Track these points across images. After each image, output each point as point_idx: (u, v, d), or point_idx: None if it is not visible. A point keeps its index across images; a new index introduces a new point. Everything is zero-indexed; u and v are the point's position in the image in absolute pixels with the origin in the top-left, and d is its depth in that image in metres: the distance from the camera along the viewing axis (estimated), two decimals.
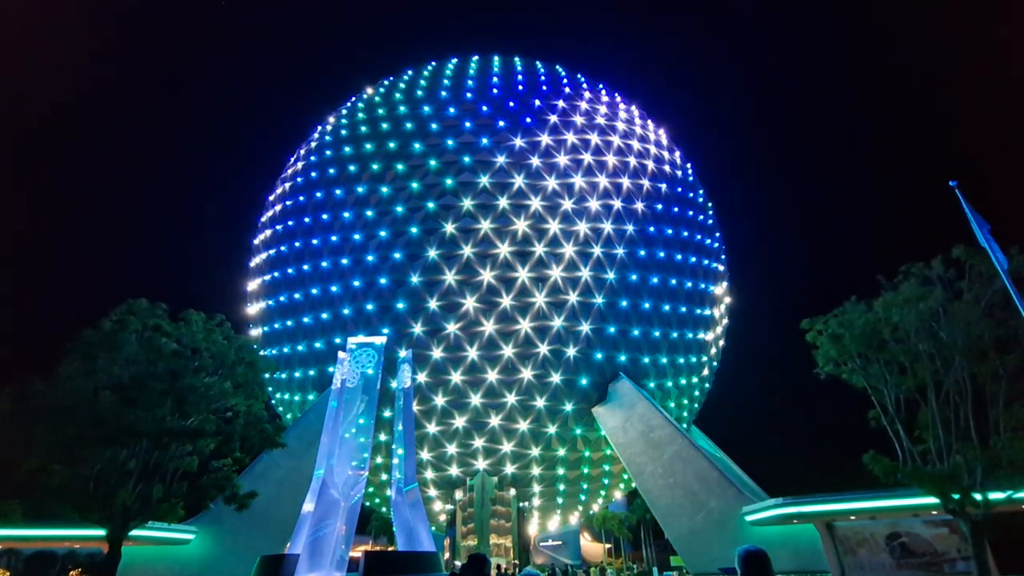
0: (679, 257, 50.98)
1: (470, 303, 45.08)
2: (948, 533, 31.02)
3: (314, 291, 48.54)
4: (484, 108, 51.62)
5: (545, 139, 50.16)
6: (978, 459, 22.90)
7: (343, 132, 55.14)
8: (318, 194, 51.65)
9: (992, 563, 26.20)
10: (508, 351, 45.07)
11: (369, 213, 48.11)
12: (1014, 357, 23.57)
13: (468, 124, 50.39)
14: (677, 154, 59.45)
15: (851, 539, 32.84)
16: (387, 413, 45.21)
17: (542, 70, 60.04)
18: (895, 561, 31.65)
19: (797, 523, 34.04)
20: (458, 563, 42.01)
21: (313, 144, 57.95)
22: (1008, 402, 23.49)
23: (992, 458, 22.79)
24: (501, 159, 48.52)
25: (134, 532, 26.28)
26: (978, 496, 23.53)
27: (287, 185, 56.64)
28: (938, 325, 25.03)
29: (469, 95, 53.13)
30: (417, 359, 44.06)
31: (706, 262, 53.85)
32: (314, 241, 49.82)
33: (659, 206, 51.42)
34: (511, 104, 52.17)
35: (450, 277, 45.37)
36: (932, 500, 26.00)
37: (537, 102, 53.03)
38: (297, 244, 50.95)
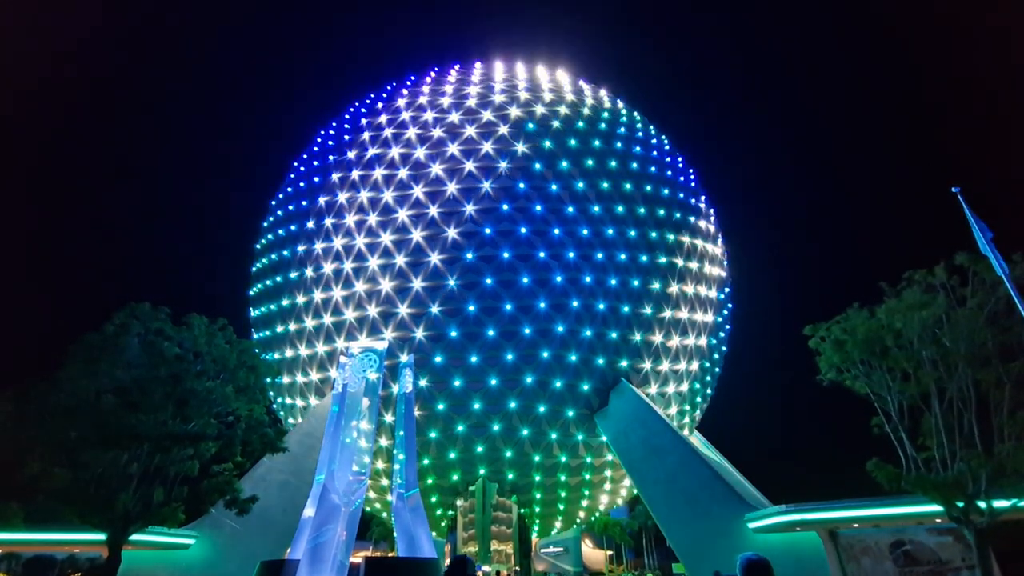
0: (681, 262, 50.95)
1: (472, 308, 45.06)
2: (952, 541, 30.76)
3: (316, 295, 48.59)
4: (487, 113, 51.74)
5: (548, 144, 50.24)
6: (982, 467, 22.76)
7: (346, 137, 55.36)
8: (321, 199, 51.80)
9: (997, 572, 25.97)
10: (510, 356, 44.99)
11: (372, 218, 48.21)
12: (1018, 364, 23.49)
13: (471, 129, 50.52)
14: (680, 159, 59.53)
15: (854, 547, 32.59)
16: (388, 418, 45.15)
17: (545, 75, 60.22)
18: (899, 569, 31.36)
19: (800, 531, 33.81)
20: None
21: (316, 149, 58.17)
22: (1012, 409, 23.41)
23: (997, 466, 22.68)
24: (504, 164, 48.62)
25: (134, 536, 26.25)
26: (982, 504, 23.37)
27: (290, 189, 56.82)
28: (941, 332, 24.94)
29: (472, 101, 53.28)
30: (418, 364, 44.01)
31: (708, 267, 53.80)
32: (317, 245, 49.91)
33: (662, 211, 51.44)
34: (514, 109, 52.31)
35: (452, 282, 45.38)
36: (936, 508, 25.82)
37: (540, 108, 53.17)
38: (300, 248, 51.05)
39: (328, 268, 48.53)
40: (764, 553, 5.03)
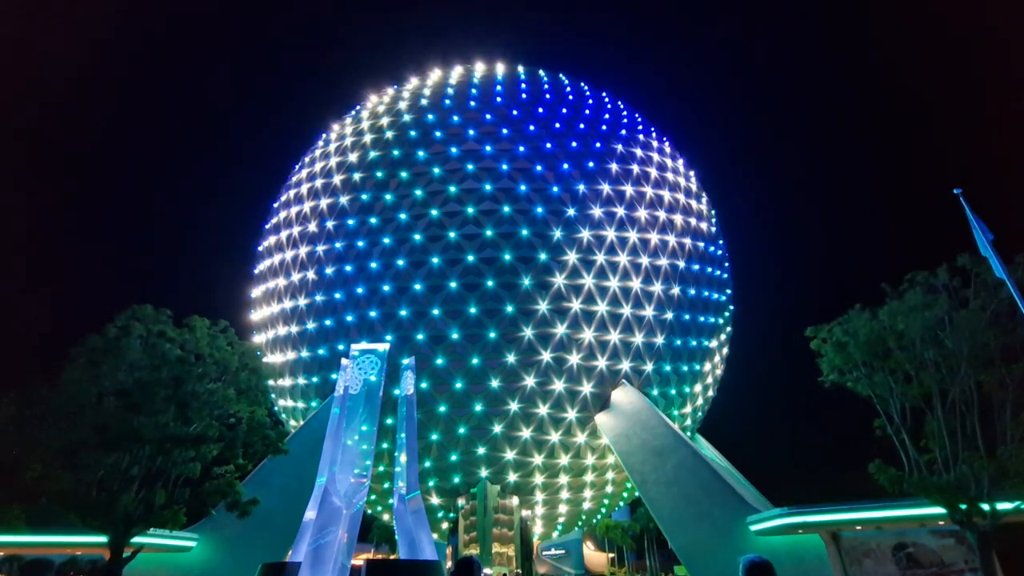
0: (682, 264, 50.90)
1: (473, 310, 45.04)
2: (955, 544, 30.68)
3: (318, 298, 48.62)
4: (488, 116, 51.79)
5: (548, 146, 50.27)
6: (985, 469, 22.72)
7: (347, 140, 55.39)
8: (322, 201, 51.87)
9: (1000, 574, 25.88)
10: (511, 358, 44.96)
11: (373, 220, 48.24)
12: (1020, 366, 23.46)
13: (472, 132, 50.55)
14: (680, 162, 59.47)
15: (857, 549, 32.49)
16: (389, 420, 45.08)
17: (545, 78, 60.29)
18: (901, 572, 31.27)
19: (802, 533, 33.72)
20: None
21: (318, 152, 58.21)
22: (1015, 411, 23.35)
23: (999, 468, 22.62)
24: (504, 166, 48.65)
25: (136, 539, 26.22)
26: (985, 506, 23.32)
27: (291, 192, 56.86)
28: (944, 333, 24.90)
29: (473, 103, 53.34)
30: (419, 366, 43.96)
31: (709, 269, 53.74)
32: (318, 248, 49.97)
33: (661, 214, 51.44)
34: (514, 112, 52.36)
35: (453, 284, 45.38)
36: (939, 510, 25.77)
37: (540, 110, 53.23)
38: (301, 251, 51.11)
39: (329, 270, 48.58)
40: (766, 555, 5.02)
